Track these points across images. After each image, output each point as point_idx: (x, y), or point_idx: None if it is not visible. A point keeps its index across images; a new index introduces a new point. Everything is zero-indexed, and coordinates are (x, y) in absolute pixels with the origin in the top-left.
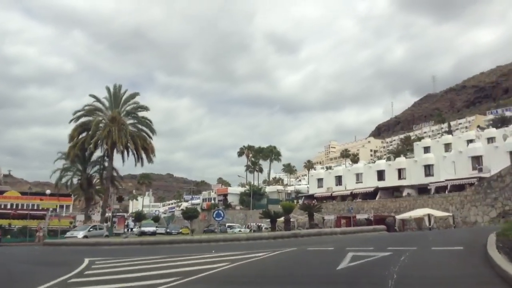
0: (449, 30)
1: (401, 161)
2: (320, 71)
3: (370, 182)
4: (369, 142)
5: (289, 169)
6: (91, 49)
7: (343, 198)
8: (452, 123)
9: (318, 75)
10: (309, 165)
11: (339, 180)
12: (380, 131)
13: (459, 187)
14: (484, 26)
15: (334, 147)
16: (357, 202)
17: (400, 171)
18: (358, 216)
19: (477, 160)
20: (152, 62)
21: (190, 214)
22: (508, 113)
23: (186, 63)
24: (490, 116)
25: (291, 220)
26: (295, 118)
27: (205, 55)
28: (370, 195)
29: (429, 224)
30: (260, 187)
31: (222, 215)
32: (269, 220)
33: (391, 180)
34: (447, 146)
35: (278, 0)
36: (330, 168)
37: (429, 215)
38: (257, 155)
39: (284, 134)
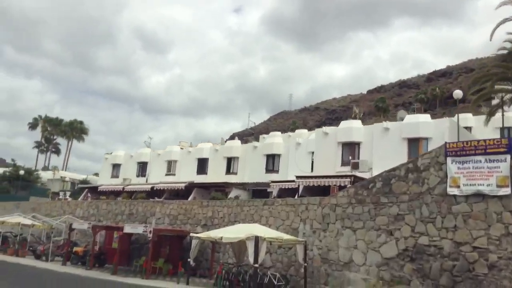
0: (308, 60)
1: (234, 145)
2: (185, 77)
3: (187, 175)
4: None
5: None
6: None
7: (138, 194)
8: None
9: (183, 80)
10: None
11: (142, 168)
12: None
13: (319, 192)
14: (337, 62)
15: (183, 148)
16: (145, 204)
17: (230, 161)
18: (130, 229)
19: (351, 150)
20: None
21: None
22: None
23: (40, 42)
24: None
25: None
26: (155, 119)
27: (63, 37)
28: (182, 195)
29: (256, 260)
30: (34, 170)
31: None
32: None
33: (216, 174)
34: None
35: None
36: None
37: (258, 239)
38: (54, 130)
39: (142, 134)
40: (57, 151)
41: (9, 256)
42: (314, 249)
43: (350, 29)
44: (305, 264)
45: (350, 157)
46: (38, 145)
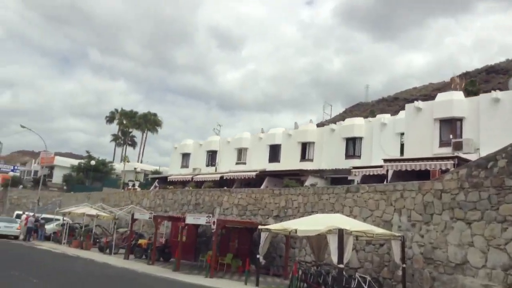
0: (385, 49)
1: (309, 129)
2: (259, 72)
3: (258, 164)
4: None
5: None
6: (21, 15)
7: (207, 184)
8: None
9: (257, 75)
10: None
11: (212, 157)
12: None
13: (413, 178)
14: (416, 50)
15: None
16: (212, 193)
17: (305, 147)
18: (192, 220)
19: (451, 127)
20: (86, 38)
21: None
22: None
23: (123, 45)
24: None
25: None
26: (231, 115)
27: (143, 39)
28: (254, 184)
29: (340, 258)
30: (108, 161)
31: None
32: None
33: (289, 162)
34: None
35: None
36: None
37: (342, 232)
38: (129, 122)
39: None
40: (133, 144)
41: (73, 248)
42: (414, 246)
43: (430, 16)
44: (404, 265)
45: (451, 136)
46: (115, 138)
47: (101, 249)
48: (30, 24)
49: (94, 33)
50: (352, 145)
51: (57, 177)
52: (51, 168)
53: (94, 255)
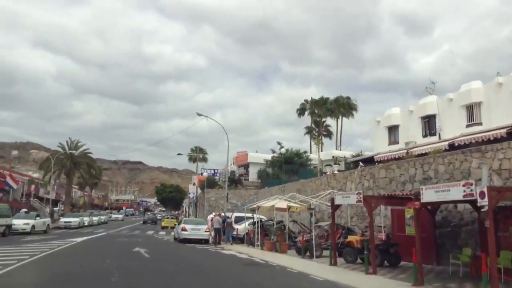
0: None
1: None
2: (455, 52)
3: (502, 121)
4: None
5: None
6: (219, 44)
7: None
8: None
9: (454, 56)
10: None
11: (429, 124)
12: None
13: None
14: None
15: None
16: (450, 157)
17: None
18: (433, 196)
19: None
20: (277, 52)
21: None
22: None
23: (310, 52)
24: None
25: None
26: None
27: (328, 42)
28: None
29: None
30: (303, 151)
31: None
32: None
33: None
34: None
35: None
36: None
37: None
38: (320, 110)
39: None
40: (329, 134)
41: (267, 251)
42: None
43: None
44: None
45: None
46: (309, 130)
47: (299, 251)
48: (227, 50)
49: (282, 46)
50: None
51: (253, 175)
52: (246, 166)
53: (289, 260)
